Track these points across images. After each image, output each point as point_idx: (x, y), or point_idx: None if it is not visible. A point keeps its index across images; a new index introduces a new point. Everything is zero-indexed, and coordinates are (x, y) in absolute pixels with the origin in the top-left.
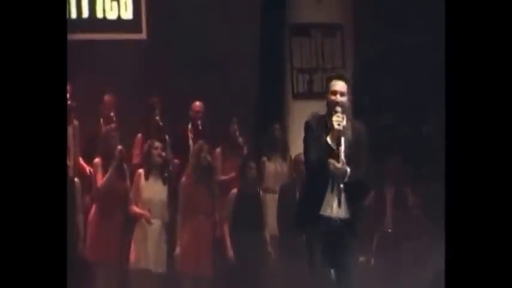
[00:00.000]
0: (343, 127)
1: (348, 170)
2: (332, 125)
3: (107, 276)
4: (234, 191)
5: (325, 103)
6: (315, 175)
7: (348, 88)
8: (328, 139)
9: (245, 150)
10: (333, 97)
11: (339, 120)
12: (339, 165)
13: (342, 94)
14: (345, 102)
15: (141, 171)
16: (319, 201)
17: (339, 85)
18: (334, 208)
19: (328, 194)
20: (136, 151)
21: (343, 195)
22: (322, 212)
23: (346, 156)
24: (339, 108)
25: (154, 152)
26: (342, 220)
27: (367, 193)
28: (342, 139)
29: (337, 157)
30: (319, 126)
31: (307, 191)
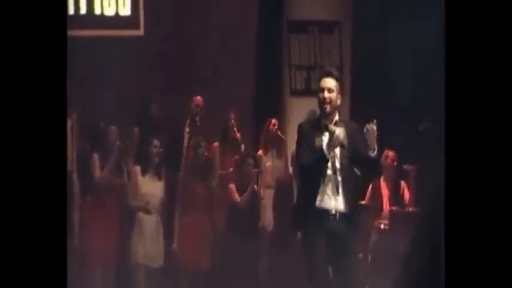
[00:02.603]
0: (336, 131)
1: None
2: (324, 128)
3: (104, 271)
4: (232, 186)
5: None
6: (308, 175)
7: (338, 84)
8: (322, 142)
9: (242, 146)
10: (320, 94)
11: (330, 124)
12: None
13: (329, 90)
14: (334, 98)
15: (137, 168)
16: (315, 195)
17: (327, 82)
18: (332, 200)
19: (325, 187)
20: (134, 147)
21: (340, 188)
22: (319, 205)
23: (348, 157)
24: (327, 107)
25: (153, 150)
26: (340, 213)
27: (364, 187)
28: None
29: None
30: (313, 128)
31: (302, 188)
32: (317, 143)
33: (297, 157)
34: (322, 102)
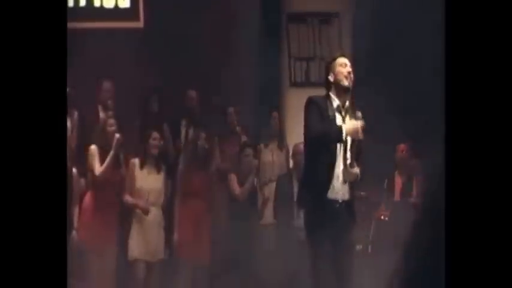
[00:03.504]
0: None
1: (358, 172)
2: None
3: (104, 264)
4: (232, 176)
5: (323, 90)
6: (320, 154)
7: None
8: (337, 115)
9: (242, 138)
10: (343, 69)
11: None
12: (352, 170)
13: (350, 67)
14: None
15: (135, 160)
16: (324, 183)
17: (345, 60)
18: (341, 190)
19: (335, 176)
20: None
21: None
22: (328, 194)
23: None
24: (349, 82)
25: (152, 142)
26: (346, 203)
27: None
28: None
29: (344, 158)
30: (325, 100)
31: (310, 174)
32: (330, 112)
33: (308, 131)
34: (345, 76)
